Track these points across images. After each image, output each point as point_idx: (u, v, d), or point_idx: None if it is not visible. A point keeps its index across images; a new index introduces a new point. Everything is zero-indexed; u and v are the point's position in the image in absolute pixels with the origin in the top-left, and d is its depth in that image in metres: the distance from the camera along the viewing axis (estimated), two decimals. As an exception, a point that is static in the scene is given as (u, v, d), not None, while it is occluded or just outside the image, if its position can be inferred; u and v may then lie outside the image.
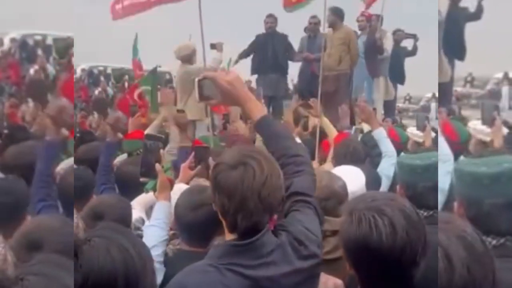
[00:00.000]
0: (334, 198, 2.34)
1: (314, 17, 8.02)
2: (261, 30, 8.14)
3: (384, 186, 3.35)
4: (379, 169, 3.49)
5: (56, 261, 1.14)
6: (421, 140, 4.25)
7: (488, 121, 3.16)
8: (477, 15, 7.09)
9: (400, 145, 4.08)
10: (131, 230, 2.23)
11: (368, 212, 1.40)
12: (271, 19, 8.02)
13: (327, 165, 3.65)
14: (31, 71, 11.44)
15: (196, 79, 1.80)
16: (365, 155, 3.63)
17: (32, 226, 1.73)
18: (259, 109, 1.78)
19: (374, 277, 1.42)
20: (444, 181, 2.26)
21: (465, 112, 8.51)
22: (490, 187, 1.54)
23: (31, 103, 6.07)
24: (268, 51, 7.91)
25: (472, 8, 7.10)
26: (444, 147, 2.42)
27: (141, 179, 2.39)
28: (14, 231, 1.71)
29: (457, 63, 7.28)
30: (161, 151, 2.39)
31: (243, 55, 8.32)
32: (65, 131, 2.56)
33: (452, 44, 6.68)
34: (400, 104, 14.03)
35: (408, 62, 8.86)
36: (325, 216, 2.21)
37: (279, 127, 1.82)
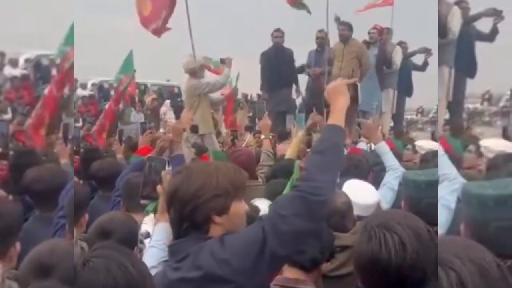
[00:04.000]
0: (336, 214, 2.36)
1: (321, 31, 8.06)
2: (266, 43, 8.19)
3: (389, 198, 3.33)
4: (384, 182, 3.48)
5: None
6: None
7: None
8: (491, 37, 6.93)
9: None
10: (135, 248, 2.28)
11: (379, 229, 1.40)
12: (279, 33, 8.06)
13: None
14: (45, 91, 11.51)
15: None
16: (368, 168, 3.63)
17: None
18: (333, 118, 1.78)
19: None
20: (451, 199, 2.24)
21: (477, 129, 8.43)
22: (496, 210, 1.52)
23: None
24: (277, 66, 7.93)
25: (486, 29, 6.99)
26: (449, 166, 2.40)
27: (142, 201, 2.38)
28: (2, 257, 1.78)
29: (471, 80, 7.17)
30: (163, 172, 2.39)
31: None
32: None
33: (464, 62, 6.63)
34: (409, 116, 13.99)
35: (420, 74, 8.85)
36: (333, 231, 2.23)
37: (325, 137, 1.74)
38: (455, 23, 6.39)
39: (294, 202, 1.57)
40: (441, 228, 2.17)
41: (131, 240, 2.29)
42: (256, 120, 8.89)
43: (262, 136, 4.50)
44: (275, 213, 1.58)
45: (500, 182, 1.59)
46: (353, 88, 1.88)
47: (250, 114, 13.05)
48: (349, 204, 2.45)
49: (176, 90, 15.77)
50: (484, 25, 6.92)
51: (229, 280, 1.53)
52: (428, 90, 9.46)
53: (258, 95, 14.82)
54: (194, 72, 6.61)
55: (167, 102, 12.62)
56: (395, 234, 1.37)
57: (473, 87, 7.53)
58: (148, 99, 12.96)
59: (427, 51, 8.68)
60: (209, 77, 7.13)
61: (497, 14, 6.66)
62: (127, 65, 9.45)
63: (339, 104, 1.81)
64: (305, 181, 1.61)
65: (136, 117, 11.05)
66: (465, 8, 6.70)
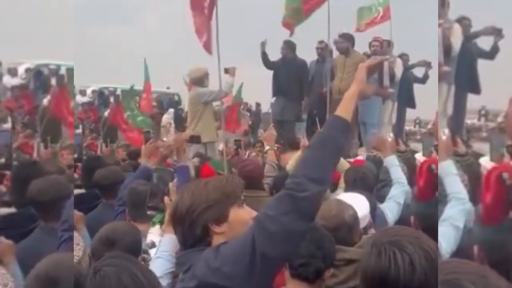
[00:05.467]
0: (344, 227, 2.34)
1: (321, 42, 8.11)
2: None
3: (395, 212, 3.33)
4: (390, 196, 3.48)
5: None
6: None
7: (496, 158, 2.97)
8: (491, 54, 6.95)
9: None
10: (139, 257, 2.27)
11: (389, 246, 1.40)
12: (286, 46, 8.08)
13: (338, 191, 3.64)
14: (45, 101, 11.49)
15: None
16: (375, 181, 3.62)
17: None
18: (338, 109, 1.68)
19: None
20: (459, 219, 2.21)
21: (475, 145, 8.45)
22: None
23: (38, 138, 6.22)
24: (282, 76, 7.99)
25: (486, 46, 6.99)
26: (458, 184, 2.37)
27: (149, 212, 2.38)
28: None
29: (470, 95, 7.19)
30: (170, 184, 2.39)
31: (267, 64, 8.26)
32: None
33: (465, 78, 6.65)
34: (407, 127, 14.01)
35: (416, 86, 8.89)
36: (337, 245, 2.22)
37: (321, 131, 1.68)
38: (456, 40, 6.43)
39: (282, 200, 1.51)
40: (449, 248, 2.15)
41: (135, 249, 2.31)
42: (262, 131, 8.92)
43: (267, 147, 4.49)
44: (264, 214, 1.52)
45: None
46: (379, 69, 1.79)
47: (250, 122, 13.08)
48: (356, 217, 2.43)
49: (176, 98, 15.75)
50: (484, 43, 6.96)
51: (223, 286, 1.50)
52: (425, 102, 9.47)
53: (257, 104, 14.88)
54: (199, 81, 6.62)
55: (171, 111, 12.48)
56: (405, 253, 1.37)
57: (469, 103, 7.55)
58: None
59: (427, 64, 8.72)
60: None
61: (496, 33, 6.70)
62: (146, 73, 9.50)
63: (349, 93, 1.72)
64: (292, 177, 1.55)
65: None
66: (466, 25, 6.73)
